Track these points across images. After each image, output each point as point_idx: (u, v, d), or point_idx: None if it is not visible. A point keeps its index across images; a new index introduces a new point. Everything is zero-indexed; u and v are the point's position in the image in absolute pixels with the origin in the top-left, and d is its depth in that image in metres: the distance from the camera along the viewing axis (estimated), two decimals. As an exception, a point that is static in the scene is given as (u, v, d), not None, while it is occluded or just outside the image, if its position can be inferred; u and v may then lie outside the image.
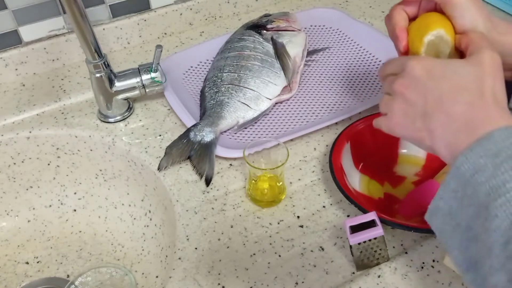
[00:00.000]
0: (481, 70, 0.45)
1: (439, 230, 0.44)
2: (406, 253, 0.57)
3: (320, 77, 0.84)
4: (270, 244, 0.60)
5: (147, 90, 0.77)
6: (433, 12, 0.54)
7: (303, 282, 0.56)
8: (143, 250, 0.76)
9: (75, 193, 0.82)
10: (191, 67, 0.87)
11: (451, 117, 0.44)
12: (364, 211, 0.57)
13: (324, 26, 0.96)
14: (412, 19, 0.56)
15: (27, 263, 0.77)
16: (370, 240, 0.54)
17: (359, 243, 0.54)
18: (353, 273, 0.56)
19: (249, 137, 0.74)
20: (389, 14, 0.57)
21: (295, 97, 0.80)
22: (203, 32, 0.96)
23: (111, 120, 0.78)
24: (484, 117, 0.43)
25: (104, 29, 0.89)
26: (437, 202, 0.44)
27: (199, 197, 0.66)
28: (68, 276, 0.75)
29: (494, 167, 0.39)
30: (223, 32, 0.95)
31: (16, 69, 0.86)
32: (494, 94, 0.44)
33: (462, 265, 0.41)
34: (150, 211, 0.75)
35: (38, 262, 0.77)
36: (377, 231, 0.54)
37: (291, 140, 0.72)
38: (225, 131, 0.75)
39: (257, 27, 0.86)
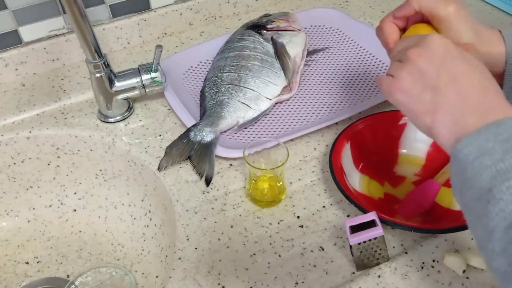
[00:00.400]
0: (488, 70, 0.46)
1: (460, 205, 0.43)
2: (406, 253, 0.57)
3: (320, 77, 0.84)
4: (270, 244, 0.60)
5: (147, 90, 0.77)
6: (422, 23, 0.55)
7: (303, 282, 0.56)
8: (143, 250, 0.76)
9: (75, 193, 0.82)
10: (191, 67, 0.87)
11: (464, 97, 0.43)
12: (364, 211, 0.57)
13: (324, 26, 0.96)
14: (401, 29, 0.57)
15: (27, 263, 0.77)
16: (370, 240, 0.54)
17: (359, 243, 0.54)
18: (353, 273, 0.56)
19: (249, 137, 0.74)
20: (380, 27, 0.58)
21: (295, 97, 0.80)
22: (203, 32, 0.96)
23: (111, 120, 0.78)
24: (496, 106, 0.43)
25: (104, 29, 0.89)
26: (451, 178, 0.43)
27: (199, 197, 0.66)
28: (68, 276, 0.75)
29: (504, 151, 0.38)
30: (223, 32, 0.95)
31: (16, 69, 0.86)
32: (501, 91, 0.44)
33: (476, 243, 0.41)
34: (150, 211, 0.75)
35: (38, 262, 0.77)
36: (377, 231, 0.53)
37: (291, 140, 0.72)
38: (225, 131, 0.75)
39: (257, 27, 0.86)
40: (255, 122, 0.76)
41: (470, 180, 0.40)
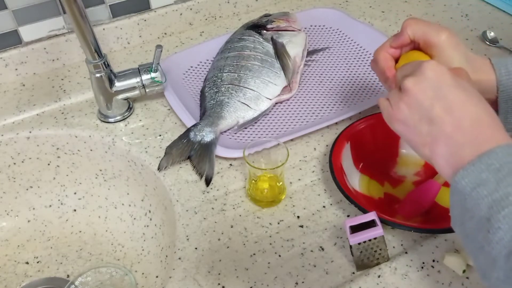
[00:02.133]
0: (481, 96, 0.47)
1: (460, 237, 0.45)
2: (406, 253, 0.57)
3: (320, 77, 0.84)
4: (270, 244, 0.60)
5: (147, 90, 0.77)
6: (414, 50, 0.57)
7: (303, 282, 0.56)
8: (143, 250, 0.76)
9: (75, 193, 0.82)
10: (191, 67, 0.87)
11: (459, 129, 0.44)
12: (364, 211, 0.57)
13: (324, 26, 0.96)
14: (395, 59, 0.59)
15: (27, 263, 0.77)
16: (370, 240, 0.54)
17: (359, 243, 0.54)
18: (353, 273, 0.56)
19: (249, 137, 0.74)
20: (375, 59, 0.60)
21: (295, 97, 0.80)
22: (203, 32, 0.96)
23: (111, 120, 0.78)
24: (490, 135, 0.43)
25: (104, 29, 0.89)
26: (452, 211, 0.45)
27: (199, 197, 0.66)
28: (68, 276, 0.75)
29: (497, 181, 0.39)
30: (223, 32, 0.95)
31: (16, 69, 0.86)
32: (498, 118, 0.45)
33: (479, 273, 0.42)
34: (150, 211, 0.75)
35: (38, 262, 0.77)
36: (377, 231, 0.54)
37: (291, 140, 0.72)
38: (225, 131, 0.75)
39: (257, 27, 0.86)
40: (255, 122, 0.76)
41: (470, 210, 0.41)
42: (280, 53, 0.81)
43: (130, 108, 0.79)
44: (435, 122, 0.45)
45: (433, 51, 0.55)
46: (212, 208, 0.65)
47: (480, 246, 0.40)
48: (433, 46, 0.54)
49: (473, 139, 0.43)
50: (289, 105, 0.79)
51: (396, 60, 0.59)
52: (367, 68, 0.85)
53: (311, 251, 0.59)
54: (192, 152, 0.70)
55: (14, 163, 0.79)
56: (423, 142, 0.47)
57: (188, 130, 0.72)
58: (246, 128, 0.76)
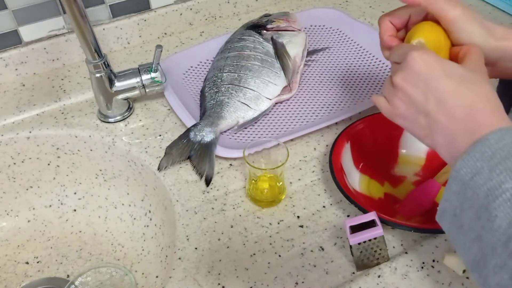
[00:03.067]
0: (480, 76, 0.46)
1: (447, 230, 0.45)
2: (406, 253, 0.57)
3: (320, 77, 0.84)
4: (270, 244, 0.60)
5: (147, 90, 0.77)
6: (427, 21, 0.55)
7: (303, 282, 0.56)
8: (143, 250, 0.76)
9: (75, 193, 0.82)
10: (191, 67, 0.87)
11: (452, 119, 0.45)
12: (364, 211, 0.57)
13: (324, 26, 0.96)
14: (398, 29, 0.57)
15: (27, 263, 0.77)
16: (370, 240, 0.54)
17: (359, 243, 0.54)
18: (353, 273, 0.56)
19: (249, 137, 0.74)
20: (378, 22, 0.58)
21: (295, 97, 0.80)
22: (203, 32, 0.96)
23: (111, 120, 0.78)
24: (483, 120, 0.43)
25: (104, 29, 0.89)
26: (443, 203, 0.45)
27: (199, 197, 0.66)
28: (68, 276, 0.75)
29: (490, 169, 0.40)
30: (223, 32, 0.95)
31: (16, 69, 0.86)
32: (495, 99, 0.45)
33: (467, 265, 0.42)
34: (150, 211, 0.75)
35: (38, 262, 0.77)
36: (377, 231, 0.54)
37: (291, 140, 0.72)
38: (225, 131, 0.75)
39: (257, 27, 0.86)
40: (255, 122, 0.76)
41: (470, 200, 0.41)
42: (280, 53, 0.81)
43: (130, 108, 0.79)
44: (430, 114, 0.46)
45: (450, 27, 0.52)
46: (212, 208, 0.65)
47: (477, 235, 0.40)
48: (449, 22, 0.52)
49: (466, 127, 0.44)
50: (289, 105, 0.79)
51: (401, 28, 0.57)
52: (367, 68, 0.85)
53: (311, 251, 0.59)
54: (192, 152, 0.70)
55: (14, 163, 0.79)
56: (424, 134, 0.48)
57: (188, 130, 0.72)
58: (246, 128, 0.76)
